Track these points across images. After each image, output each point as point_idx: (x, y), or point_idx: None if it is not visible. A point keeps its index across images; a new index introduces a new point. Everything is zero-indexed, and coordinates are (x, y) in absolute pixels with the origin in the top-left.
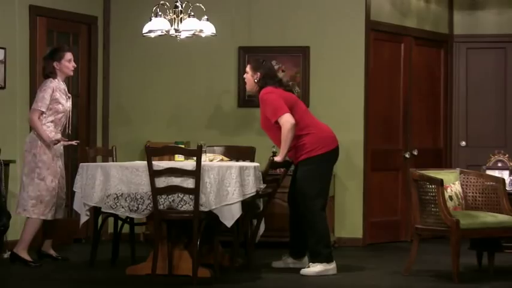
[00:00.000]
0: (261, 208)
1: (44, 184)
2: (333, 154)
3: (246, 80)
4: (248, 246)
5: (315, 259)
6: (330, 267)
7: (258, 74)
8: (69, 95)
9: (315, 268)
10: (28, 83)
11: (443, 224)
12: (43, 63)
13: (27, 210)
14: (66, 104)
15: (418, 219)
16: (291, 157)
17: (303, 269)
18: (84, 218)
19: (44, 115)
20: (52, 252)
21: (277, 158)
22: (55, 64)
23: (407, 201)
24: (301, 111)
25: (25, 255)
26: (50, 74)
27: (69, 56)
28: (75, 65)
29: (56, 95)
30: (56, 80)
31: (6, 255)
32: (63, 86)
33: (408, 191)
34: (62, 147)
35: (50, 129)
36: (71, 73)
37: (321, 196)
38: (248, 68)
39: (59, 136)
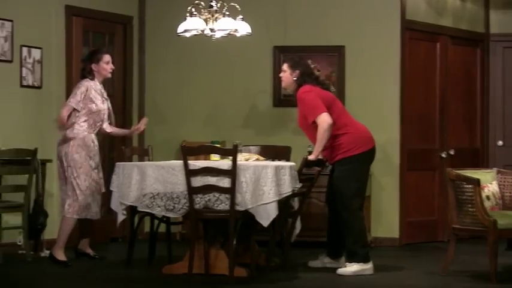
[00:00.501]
0: (296, 207)
1: (77, 183)
2: (369, 154)
3: (283, 79)
4: (284, 245)
5: (351, 259)
6: (367, 267)
7: (297, 71)
8: (107, 97)
9: (351, 268)
10: (64, 83)
11: (481, 224)
12: (81, 64)
13: (63, 210)
14: (101, 105)
15: (455, 219)
16: (326, 156)
17: (339, 269)
18: (121, 217)
19: (77, 114)
20: (89, 250)
21: (311, 157)
22: (93, 66)
23: (444, 201)
24: (338, 110)
25: (60, 256)
26: (88, 75)
27: (107, 58)
28: (113, 67)
29: (91, 93)
30: (93, 81)
31: (44, 253)
32: (99, 87)
33: (445, 190)
34: (96, 147)
35: (83, 129)
36: (109, 75)
37: (358, 196)
38: (286, 67)
39: (91, 136)
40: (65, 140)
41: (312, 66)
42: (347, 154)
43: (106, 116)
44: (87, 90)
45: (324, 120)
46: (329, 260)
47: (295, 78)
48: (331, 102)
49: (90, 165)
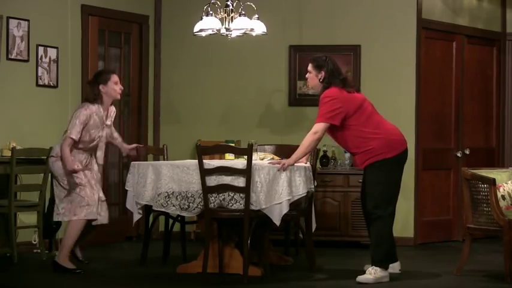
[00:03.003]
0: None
1: (79, 190)
2: (402, 157)
3: (308, 80)
4: (300, 245)
5: (372, 263)
6: (384, 275)
7: (322, 72)
8: (108, 123)
9: (369, 275)
10: (80, 82)
11: (496, 224)
12: (87, 88)
13: (59, 214)
14: (96, 133)
15: (470, 218)
16: (356, 162)
17: (359, 276)
18: (136, 217)
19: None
20: (79, 254)
21: (289, 161)
22: (101, 87)
23: (459, 201)
24: (367, 113)
25: (66, 263)
26: (95, 98)
27: (115, 78)
28: (122, 88)
29: (90, 122)
30: (97, 105)
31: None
32: (102, 113)
33: (460, 190)
34: (86, 160)
35: (78, 156)
36: (118, 96)
37: (385, 200)
38: (310, 67)
39: (79, 167)
40: (58, 160)
41: None
42: (379, 158)
43: (102, 143)
44: (86, 119)
45: (318, 130)
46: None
47: (320, 80)
48: (358, 106)
49: (82, 174)
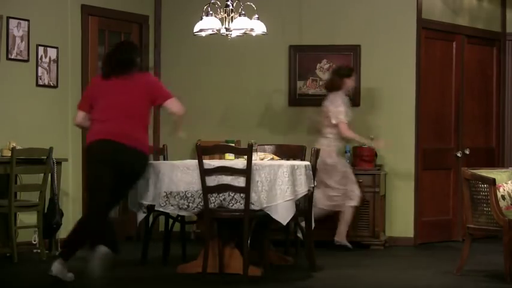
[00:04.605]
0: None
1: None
2: (93, 148)
3: None
4: (300, 245)
5: None
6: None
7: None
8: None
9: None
10: (80, 82)
11: (496, 224)
12: (332, 77)
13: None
14: None
15: (470, 218)
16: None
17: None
18: (141, 216)
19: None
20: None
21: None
22: (346, 80)
23: (459, 201)
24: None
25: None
26: (338, 88)
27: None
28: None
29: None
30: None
31: (58, 252)
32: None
33: (460, 190)
34: None
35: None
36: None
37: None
38: None
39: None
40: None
41: (327, 65)
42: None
43: None
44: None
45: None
46: None
47: None
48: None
49: None
